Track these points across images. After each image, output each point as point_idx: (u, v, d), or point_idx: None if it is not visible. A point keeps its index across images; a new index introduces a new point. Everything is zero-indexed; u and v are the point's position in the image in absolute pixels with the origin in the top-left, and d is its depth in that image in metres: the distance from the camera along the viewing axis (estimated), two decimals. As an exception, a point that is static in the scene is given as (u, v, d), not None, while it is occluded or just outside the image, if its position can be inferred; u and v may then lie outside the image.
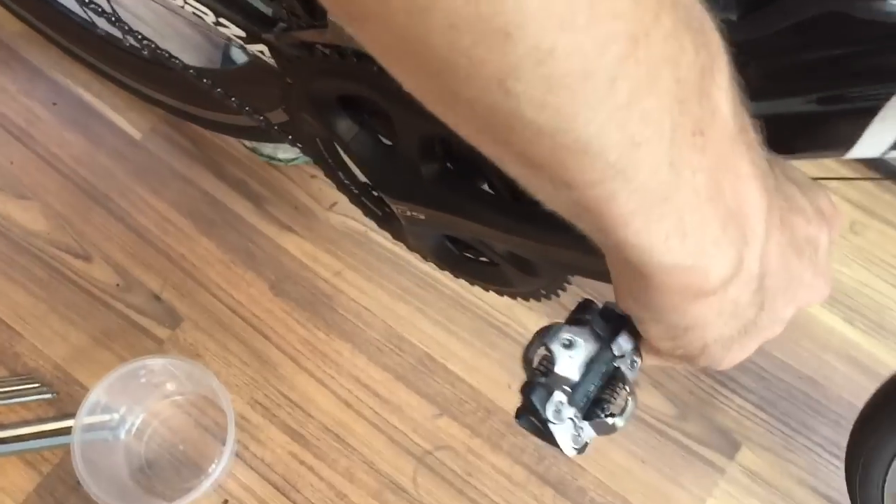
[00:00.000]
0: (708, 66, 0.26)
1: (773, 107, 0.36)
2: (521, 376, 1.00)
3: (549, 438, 0.40)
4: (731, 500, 0.96)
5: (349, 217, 1.08)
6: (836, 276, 1.05)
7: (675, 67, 0.24)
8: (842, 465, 0.96)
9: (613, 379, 0.41)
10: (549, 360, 0.40)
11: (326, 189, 1.09)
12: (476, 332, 1.04)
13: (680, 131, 0.25)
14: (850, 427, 0.98)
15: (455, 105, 0.24)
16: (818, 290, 0.38)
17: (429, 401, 1.00)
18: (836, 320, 1.03)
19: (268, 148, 1.09)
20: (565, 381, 0.40)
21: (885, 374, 1.01)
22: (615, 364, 0.41)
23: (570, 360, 0.39)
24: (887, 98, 0.32)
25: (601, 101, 0.23)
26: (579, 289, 1.02)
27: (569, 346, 0.40)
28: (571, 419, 0.40)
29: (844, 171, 1.09)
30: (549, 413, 0.39)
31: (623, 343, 0.41)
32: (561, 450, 0.40)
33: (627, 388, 0.41)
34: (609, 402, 0.40)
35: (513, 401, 1.00)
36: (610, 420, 0.40)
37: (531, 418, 0.40)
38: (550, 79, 0.22)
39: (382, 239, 1.07)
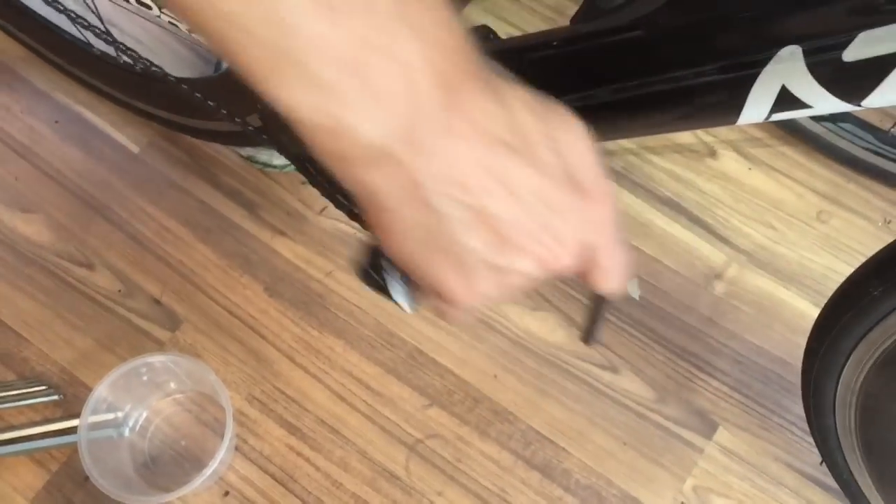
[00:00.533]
0: None
1: (664, 81, 0.40)
2: (507, 367, 1.05)
3: (384, 290, 0.43)
4: (710, 479, 1.00)
5: (339, 220, 1.13)
6: (806, 263, 1.10)
7: None
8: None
9: None
10: None
11: (317, 194, 1.14)
12: (463, 327, 1.08)
13: None
14: (821, 405, 1.03)
15: None
16: (547, 250, 0.35)
17: (419, 392, 1.05)
18: (807, 304, 1.08)
19: (263, 156, 1.15)
20: None
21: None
22: None
23: None
24: (765, 63, 0.37)
25: None
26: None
27: None
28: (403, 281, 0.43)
29: (810, 164, 1.14)
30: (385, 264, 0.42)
31: None
32: (397, 303, 0.43)
33: None
34: None
35: (499, 390, 1.05)
36: None
37: (369, 272, 0.43)
38: None
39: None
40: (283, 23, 0.27)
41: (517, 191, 0.33)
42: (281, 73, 0.28)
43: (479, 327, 1.08)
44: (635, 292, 1.09)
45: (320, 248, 1.13)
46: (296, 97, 0.29)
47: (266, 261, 1.12)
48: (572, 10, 0.49)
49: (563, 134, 0.34)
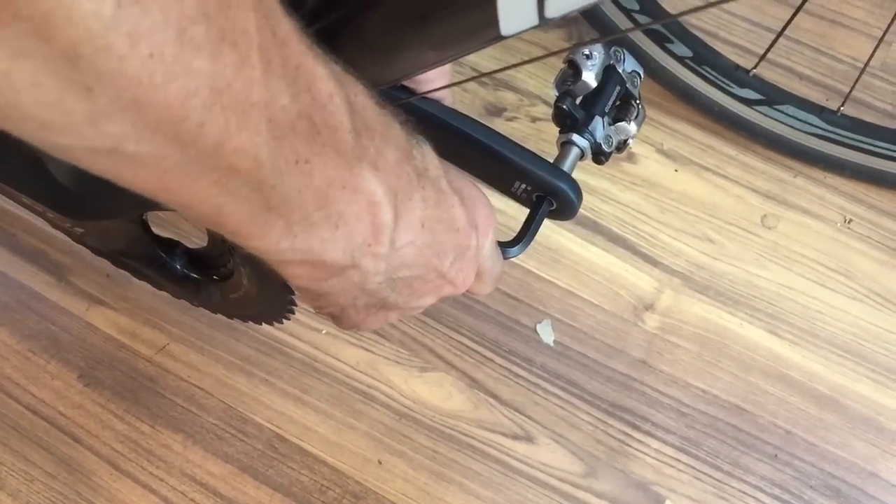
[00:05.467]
0: (310, 110, 0.30)
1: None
2: (393, 448, 0.82)
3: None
4: (660, 570, 0.79)
5: (172, 279, 0.90)
6: (753, 280, 0.89)
7: (265, 110, 0.28)
8: (786, 510, 0.80)
9: (625, 98, 0.52)
10: (576, 69, 0.50)
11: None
12: (335, 401, 0.85)
13: (280, 161, 0.29)
14: (789, 461, 0.82)
15: (75, 152, 0.26)
16: (457, 285, 0.43)
17: (282, 493, 0.82)
18: (759, 332, 0.87)
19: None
20: (586, 86, 0.50)
21: (824, 392, 0.85)
22: (625, 85, 0.51)
23: (590, 69, 0.50)
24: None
25: (193, 140, 0.26)
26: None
27: (588, 56, 0.50)
28: (601, 119, 0.50)
29: (750, 158, 0.94)
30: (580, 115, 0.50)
31: (627, 65, 0.52)
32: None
33: (636, 101, 0.52)
34: (626, 113, 0.52)
35: (385, 479, 0.81)
36: (628, 124, 0.52)
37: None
38: (138, 122, 0.25)
39: (214, 301, 0.89)
40: (266, 185, 0.29)
41: (441, 249, 0.40)
42: (266, 229, 0.32)
43: (353, 399, 0.85)
44: (549, 337, 0.87)
45: (150, 316, 0.89)
46: (278, 245, 0.33)
47: (80, 340, 0.88)
48: None
49: (469, 191, 0.43)
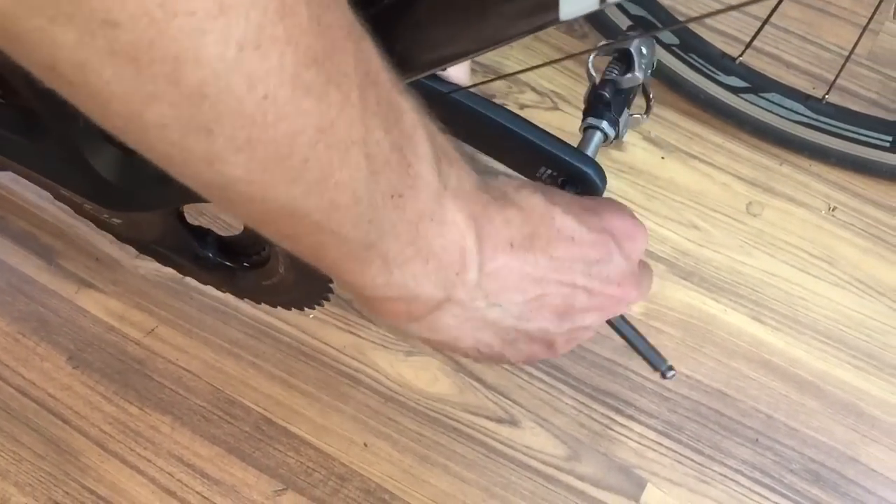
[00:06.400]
0: (401, 142, 0.31)
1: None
2: (379, 431, 0.83)
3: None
4: (641, 552, 0.80)
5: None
6: (738, 267, 0.90)
7: (363, 146, 0.29)
8: (766, 492, 0.81)
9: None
10: (629, 63, 0.53)
11: (132, 233, 0.91)
12: (323, 384, 0.86)
13: (377, 195, 0.31)
14: (770, 445, 0.83)
15: (189, 182, 0.28)
16: (611, 293, 0.41)
17: (269, 474, 0.83)
18: (742, 318, 0.88)
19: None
20: (634, 81, 0.54)
21: (805, 377, 0.86)
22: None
23: (642, 67, 0.54)
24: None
25: (298, 176, 0.28)
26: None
27: (640, 53, 0.53)
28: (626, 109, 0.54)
29: (736, 148, 0.94)
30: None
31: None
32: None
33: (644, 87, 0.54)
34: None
35: (371, 461, 0.82)
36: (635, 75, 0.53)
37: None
38: (250, 162, 0.26)
39: (203, 285, 0.89)
40: (364, 221, 0.31)
41: (560, 265, 0.39)
42: (364, 266, 0.33)
43: (340, 383, 0.86)
44: (534, 322, 0.88)
45: (139, 300, 0.90)
46: (375, 282, 0.34)
47: (69, 322, 0.89)
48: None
49: (588, 203, 0.42)
